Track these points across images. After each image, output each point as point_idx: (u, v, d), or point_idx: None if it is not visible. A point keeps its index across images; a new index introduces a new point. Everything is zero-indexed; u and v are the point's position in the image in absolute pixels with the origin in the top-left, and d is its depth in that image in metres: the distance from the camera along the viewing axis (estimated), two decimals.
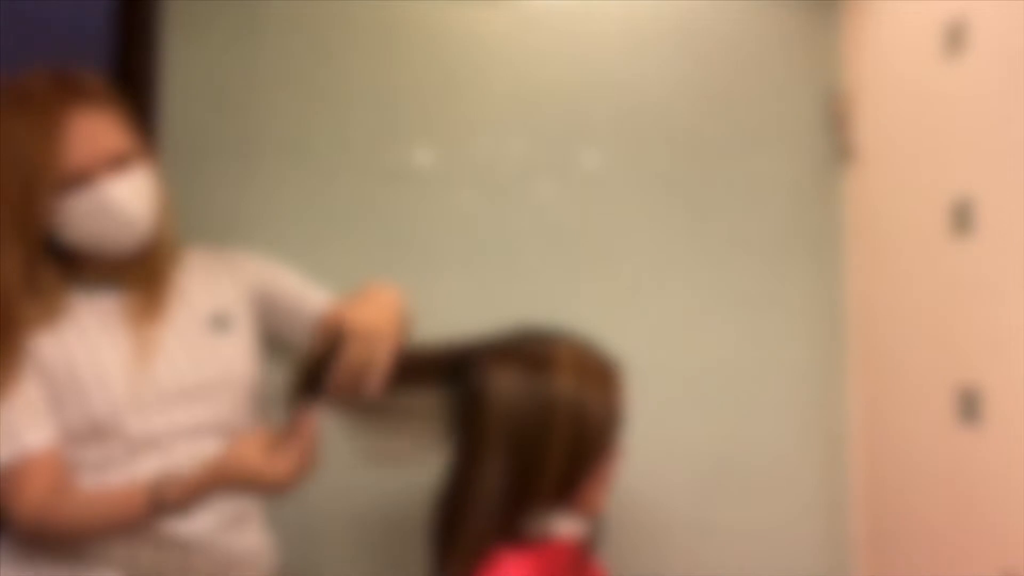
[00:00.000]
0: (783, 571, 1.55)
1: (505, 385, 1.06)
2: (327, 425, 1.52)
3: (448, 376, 1.14)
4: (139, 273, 1.21)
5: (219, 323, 1.25)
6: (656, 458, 1.53)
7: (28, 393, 1.13)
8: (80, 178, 1.13)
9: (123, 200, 1.15)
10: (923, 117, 1.40)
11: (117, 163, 1.15)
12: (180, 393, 1.19)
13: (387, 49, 1.54)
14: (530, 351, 1.09)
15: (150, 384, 1.18)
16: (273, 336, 1.32)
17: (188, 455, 1.15)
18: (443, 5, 1.55)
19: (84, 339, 1.17)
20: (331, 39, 1.54)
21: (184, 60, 1.50)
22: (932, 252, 1.37)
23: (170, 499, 1.09)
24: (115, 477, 1.15)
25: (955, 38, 1.31)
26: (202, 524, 1.18)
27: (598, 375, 1.09)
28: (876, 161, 1.54)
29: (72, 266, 1.18)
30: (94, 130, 1.14)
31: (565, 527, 1.08)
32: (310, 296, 1.31)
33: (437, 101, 1.55)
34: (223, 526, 1.21)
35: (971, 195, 1.28)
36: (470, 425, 1.09)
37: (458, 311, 1.51)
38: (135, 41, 1.47)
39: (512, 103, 1.56)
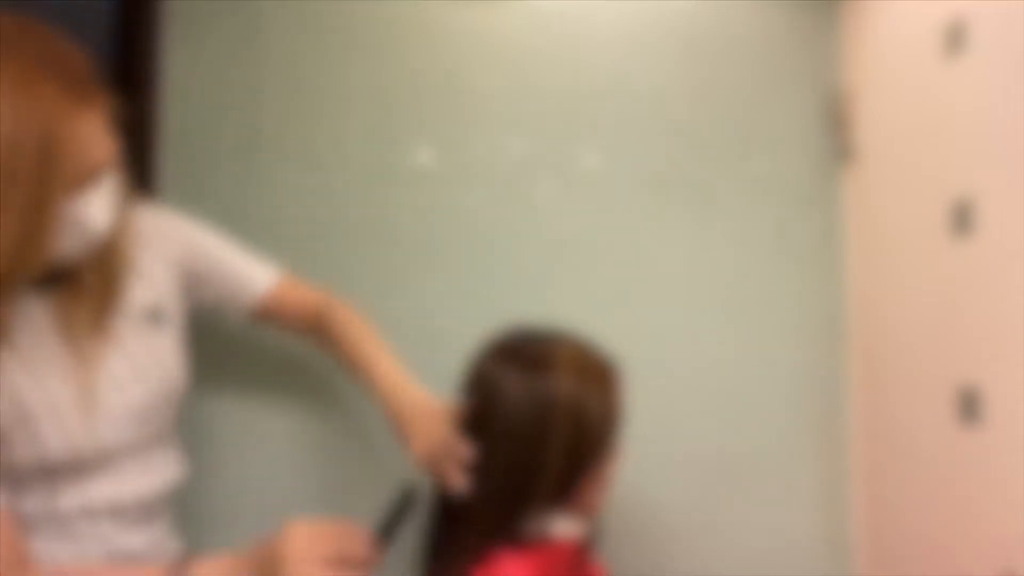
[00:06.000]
0: (783, 571, 1.55)
1: (504, 385, 1.06)
2: (317, 422, 1.52)
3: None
4: (79, 280, 1.04)
5: (154, 317, 1.13)
6: (656, 458, 1.53)
7: None
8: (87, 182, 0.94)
9: (95, 215, 0.96)
10: (923, 117, 1.40)
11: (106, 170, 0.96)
12: (128, 412, 1.08)
13: (387, 49, 1.54)
14: (529, 351, 1.08)
15: (99, 406, 1.04)
16: (202, 306, 1.24)
17: (138, 472, 1.09)
18: (443, 5, 1.55)
19: (26, 364, 1.00)
20: (331, 39, 1.54)
21: (184, 60, 1.50)
22: (932, 252, 1.37)
23: None
24: (64, 501, 1.03)
25: (955, 38, 1.31)
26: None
27: (598, 375, 1.09)
28: (876, 161, 1.54)
29: None
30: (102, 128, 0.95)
31: (564, 527, 1.08)
32: (251, 271, 1.26)
33: (437, 101, 1.55)
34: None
35: (971, 195, 1.28)
36: (468, 424, 1.09)
37: (458, 311, 1.51)
38: (135, 41, 1.47)
39: (512, 103, 1.56)
